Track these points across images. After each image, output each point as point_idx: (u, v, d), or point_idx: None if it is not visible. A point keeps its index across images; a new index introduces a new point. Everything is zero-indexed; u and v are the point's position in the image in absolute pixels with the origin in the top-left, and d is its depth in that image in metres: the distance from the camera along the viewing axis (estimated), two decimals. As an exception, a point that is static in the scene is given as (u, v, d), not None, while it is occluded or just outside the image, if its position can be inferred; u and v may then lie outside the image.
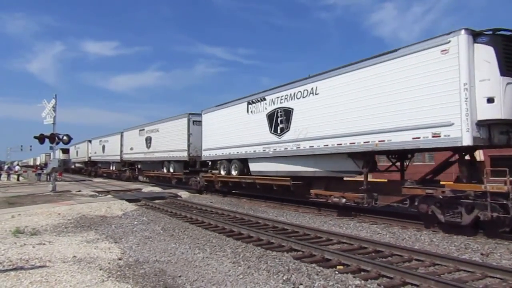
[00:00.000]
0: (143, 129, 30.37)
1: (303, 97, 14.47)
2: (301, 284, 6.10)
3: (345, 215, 13.53)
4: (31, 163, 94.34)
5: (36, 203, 17.14)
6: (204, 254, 8.25)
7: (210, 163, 22.37)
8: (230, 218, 13.29)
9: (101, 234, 10.56)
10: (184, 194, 22.45)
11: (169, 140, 25.55)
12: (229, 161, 19.63)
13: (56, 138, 22.25)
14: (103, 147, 42.08)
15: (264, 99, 16.71)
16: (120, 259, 7.82)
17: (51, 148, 23.46)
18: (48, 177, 34.92)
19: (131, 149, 32.75)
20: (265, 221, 12.16)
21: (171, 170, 26.02)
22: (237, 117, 18.66)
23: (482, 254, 8.11)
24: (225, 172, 19.91)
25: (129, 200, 18.16)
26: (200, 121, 22.67)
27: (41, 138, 22.01)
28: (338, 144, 12.76)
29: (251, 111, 17.63)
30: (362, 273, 6.66)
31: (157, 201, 18.52)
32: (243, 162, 18.50)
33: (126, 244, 9.31)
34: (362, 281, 6.11)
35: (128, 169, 36.13)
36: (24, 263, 7.14)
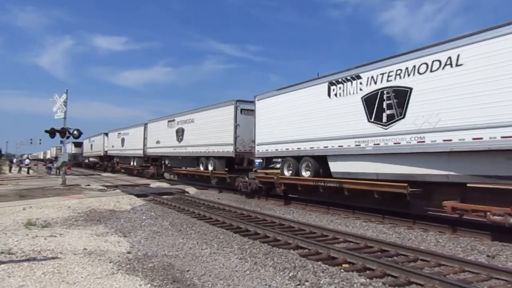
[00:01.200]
0: (173, 120, 26.77)
1: (431, 71, 10.49)
2: (307, 281, 6.19)
3: (352, 215, 13.58)
4: (41, 157, 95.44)
5: (47, 196, 17.42)
6: (212, 250, 8.37)
7: (262, 161, 19.51)
8: (237, 214, 13.42)
9: (110, 228, 10.75)
10: (191, 190, 22.63)
11: (208, 133, 21.92)
12: (297, 158, 15.58)
13: (67, 132, 22.52)
14: (122, 140, 38.43)
15: (359, 77, 12.73)
16: (129, 252, 7.98)
17: (61, 142, 23.76)
18: (58, 171, 35.41)
19: (157, 142, 29.12)
20: (272, 218, 12.27)
21: (210, 167, 22.21)
22: (312, 103, 14.55)
23: (488, 255, 8.13)
24: (290, 172, 16.05)
25: (138, 195, 18.39)
26: (250, 110, 19.02)
27: (52, 132, 22.29)
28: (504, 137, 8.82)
29: (335, 94, 13.58)
30: (367, 271, 6.73)
31: (165, 196, 18.72)
32: (319, 161, 14.51)
33: (135, 238, 9.48)
34: (367, 280, 6.19)
35: (152, 165, 32.34)
36: (37, 254, 7.33)
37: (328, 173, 14.04)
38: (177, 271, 6.81)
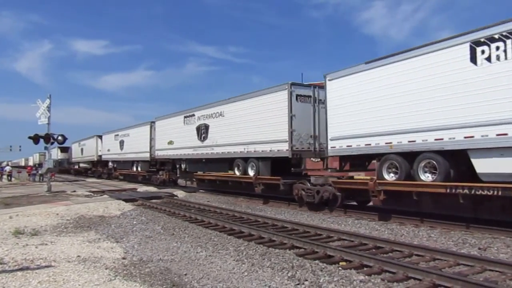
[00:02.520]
0: (192, 115, 22.36)
1: None
2: (306, 280, 6.21)
3: (343, 214, 13.68)
4: (22, 164, 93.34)
5: (33, 203, 17.06)
6: (207, 253, 8.33)
7: (323, 161, 16.62)
8: (229, 216, 13.37)
9: (101, 234, 10.60)
10: (180, 193, 22.49)
11: (246, 128, 17.65)
12: (409, 156, 11.36)
13: (51, 138, 22.12)
14: (121, 142, 33.74)
15: None
16: (124, 258, 7.88)
17: (45, 148, 23.31)
18: (41, 177, 34.72)
19: (170, 143, 24.77)
20: (264, 219, 12.27)
21: (251, 171, 17.73)
22: (437, 75, 10.48)
23: (479, 248, 8.30)
24: (395, 175, 11.74)
25: (126, 200, 18.16)
26: (307, 96, 15.58)
27: (35, 139, 21.88)
28: None
29: (488, 58, 9.47)
30: (365, 268, 6.78)
31: (154, 200, 18.52)
32: (451, 158, 10.49)
33: (128, 244, 9.36)
34: (366, 276, 6.25)
35: (162, 169, 28.10)
36: (30, 263, 7.17)
37: (466, 175, 10.11)
38: (175, 275, 6.75)
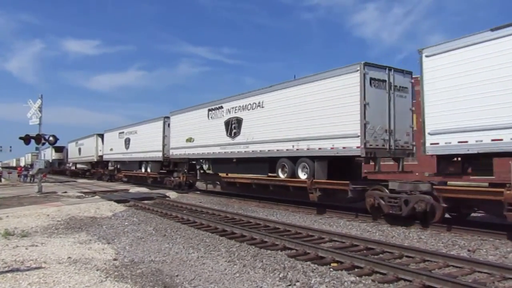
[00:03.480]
0: (220, 107, 19.43)
1: None
2: (298, 281, 6.24)
3: (335, 214, 13.75)
4: (13, 164, 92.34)
5: (23, 204, 16.90)
6: (199, 254, 8.33)
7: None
8: (222, 218, 13.37)
9: (92, 235, 10.53)
10: (172, 194, 22.40)
11: (293, 120, 14.75)
12: None
13: (43, 139, 21.94)
14: (127, 141, 30.72)
15: None
16: (115, 259, 7.85)
17: (37, 149, 23.12)
18: (32, 178, 34.43)
19: (190, 140, 21.78)
20: (256, 220, 12.29)
21: (303, 174, 14.65)
22: None
23: (469, 250, 8.40)
24: None
25: (118, 201, 18.06)
26: (382, 80, 12.66)
27: (26, 139, 21.67)
28: None
29: None
30: (356, 269, 6.83)
31: (146, 201, 18.46)
32: None
33: (119, 245, 9.32)
34: (357, 277, 6.29)
35: (177, 171, 25.33)
36: (20, 265, 7.11)
37: None
38: (167, 276, 6.74)
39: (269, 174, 16.85)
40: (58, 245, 9.03)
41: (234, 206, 17.38)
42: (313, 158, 14.18)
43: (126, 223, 12.60)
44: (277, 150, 15.68)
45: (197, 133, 21.31)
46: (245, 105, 17.70)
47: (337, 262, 7.30)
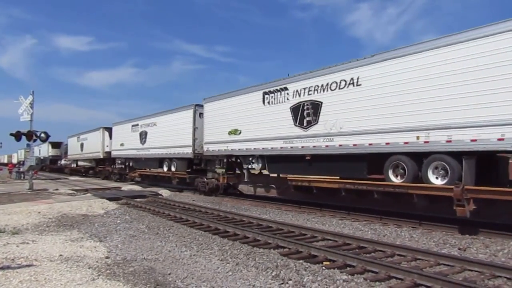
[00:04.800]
0: (283, 89, 15.09)
1: None
2: (290, 279, 6.26)
3: (327, 213, 13.80)
4: (5, 161, 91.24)
5: (14, 201, 16.74)
6: (192, 252, 8.32)
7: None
8: (214, 216, 13.36)
9: (84, 233, 10.47)
10: (165, 192, 22.32)
11: (428, 99, 10.33)
12: None
13: (34, 135, 21.74)
14: (143, 135, 26.65)
15: None
16: (107, 257, 7.80)
17: (28, 145, 22.91)
18: (23, 175, 34.08)
19: (234, 132, 17.66)
20: (249, 219, 12.29)
21: (435, 178, 10.49)
22: None
23: (459, 248, 8.48)
24: None
25: (110, 199, 17.95)
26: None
27: (17, 136, 21.48)
28: None
29: None
30: (348, 268, 6.86)
31: (138, 199, 18.35)
32: None
33: (112, 243, 9.27)
34: (349, 276, 6.33)
35: (211, 170, 21.60)
36: (10, 262, 7.05)
37: None
38: (159, 274, 6.72)
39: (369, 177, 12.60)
40: (50, 243, 8.96)
41: (227, 205, 17.36)
42: (458, 155, 10.01)
43: (118, 221, 12.53)
44: (387, 143, 11.46)
45: (246, 123, 17.06)
46: (327, 84, 13.26)
47: (329, 260, 7.33)
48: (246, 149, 17.18)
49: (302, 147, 14.20)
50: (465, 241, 9.14)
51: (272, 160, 16.30)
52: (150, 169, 27.15)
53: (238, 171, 19.74)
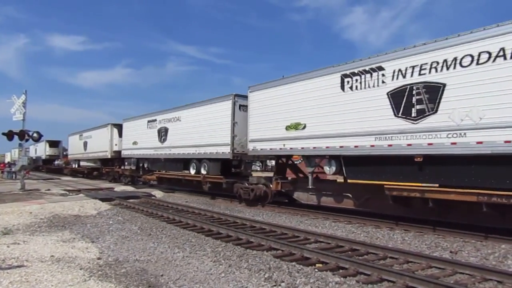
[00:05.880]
0: (378, 69, 11.55)
1: None
2: (283, 281, 6.27)
3: (321, 215, 13.82)
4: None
5: (5, 202, 16.58)
6: (184, 253, 8.29)
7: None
8: (208, 217, 13.34)
9: (76, 234, 10.40)
10: (158, 193, 22.24)
11: None
12: None
13: (26, 135, 21.57)
14: (162, 132, 23.34)
15: None
16: (99, 258, 7.76)
17: (20, 145, 22.72)
18: (14, 175, 33.80)
19: (296, 127, 14.19)
20: (242, 220, 12.29)
21: None
22: None
23: (451, 252, 8.53)
24: None
25: (103, 199, 17.86)
26: None
27: (9, 135, 21.30)
28: None
29: None
30: (341, 270, 6.89)
31: (131, 200, 18.25)
32: None
33: (104, 244, 9.22)
34: (341, 278, 6.35)
35: (245, 174, 19.52)
36: (1, 263, 6.97)
37: None
38: (151, 276, 6.69)
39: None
40: (41, 243, 8.89)
41: (220, 206, 17.33)
42: None
43: (110, 222, 12.46)
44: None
45: (314, 115, 13.50)
46: (454, 60, 9.97)
47: (322, 263, 7.35)
48: (314, 147, 13.57)
49: (409, 145, 10.67)
50: (456, 244, 9.20)
51: (355, 162, 12.45)
52: (171, 172, 23.12)
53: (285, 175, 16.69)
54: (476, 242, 9.36)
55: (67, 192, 22.26)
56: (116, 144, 30.34)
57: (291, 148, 14.58)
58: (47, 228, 11.09)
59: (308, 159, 14.28)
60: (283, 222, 12.56)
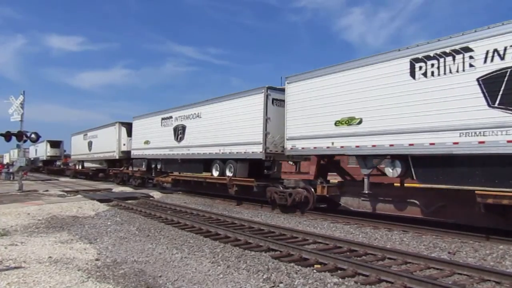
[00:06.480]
0: (459, 51, 9.81)
1: None
2: (281, 282, 6.27)
3: (319, 216, 13.83)
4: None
5: (3, 203, 16.53)
6: (183, 254, 8.28)
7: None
8: (206, 218, 13.33)
9: (74, 235, 10.38)
10: (156, 194, 22.21)
11: None
12: None
13: (24, 136, 21.54)
14: (178, 130, 21.52)
15: None
16: (97, 259, 7.75)
17: (18, 146, 22.68)
18: (12, 176, 33.72)
19: (348, 122, 12.37)
20: (241, 221, 12.29)
21: None
22: None
23: (449, 252, 8.55)
24: None
25: (101, 200, 17.84)
26: None
27: (7, 136, 21.26)
28: None
29: None
30: (339, 271, 6.89)
31: (129, 201, 18.25)
32: None
33: (102, 245, 9.20)
34: (340, 279, 6.35)
35: (274, 177, 17.75)
36: (-2, 264, 6.97)
37: None
38: (149, 277, 6.68)
39: None
40: (39, 245, 8.87)
41: (219, 207, 17.32)
42: None
43: (108, 223, 12.45)
44: None
45: (374, 107, 11.65)
46: None
47: (320, 263, 7.35)
48: (373, 146, 11.69)
49: (510, 141, 8.88)
50: (454, 245, 9.22)
51: (429, 162, 10.62)
52: (190, 173, 21.33)
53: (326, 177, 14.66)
54: (474, 243, 9.37)
55: (65, 193, 22.22)
56: (124, 144, 28.66)
57: (341, 147, 12.58)
58: (45, 229, 11.07)
59: (365, 159, 12.18)
60: (281, 223, 12.57)
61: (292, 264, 7.25)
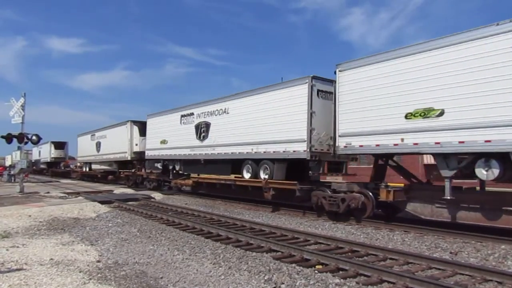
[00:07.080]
0: None
1: None
2: (283, 283, 6.26)
3: (320, 217, 13.82)
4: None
5: (4, 205, 16.54)
6: (184, 256, 8.27)
7: None
8: (207, 219, 13.33)
9: (76, 237, 10.38)
10: (157, 196, 22.22)
11: None
12: None
13: (25, 138, 21.56)
14: (200, 128, 19.65)
15: None
16: (99, 261, 7.75)
17: (19, 148, 22.70)
18: (13, 178, 33.75)
19: (424, 115, 10.34)
20: (242, 222, 12.28)
21: None
22: None
23: (451, 252, 8.53)
24: None
25: (102, 202, 17.85)
26: None
27: (8, 138, 21.29)
28: None
29: None
30: (341, 272, 6.88)
31: (130, 202, 18.27)
32: None
33: (103, 247, 9.20)
34: (341, 280, 6.33)
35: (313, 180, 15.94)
36: (0, 266, 6.96)
37: None
38: (151, 278, 6.68)
39: None
40: (40, 246, 8.87)
41: (220, 208, 17.32)
42: None
43: (110, 224, 12.45)
44: None
45: (459, 96, 9.69)
46: None
47: (322, 264, 7.34)
48: (460, 142, 9.64)
49: None
50: (456, 245, 9.20)
51: None
52: (215, 175, 19.47)
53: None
54: (476, 243, 9.35)
55: (66, 195, 22.21)
56: (136, 144, 26.54)
57: (415, 144, 10.64)
58: (46, 231, 11.07)
59: (447, 158, 10.26)
60: (282, 224, 12.56)
61: (293, 265, 7.23)
